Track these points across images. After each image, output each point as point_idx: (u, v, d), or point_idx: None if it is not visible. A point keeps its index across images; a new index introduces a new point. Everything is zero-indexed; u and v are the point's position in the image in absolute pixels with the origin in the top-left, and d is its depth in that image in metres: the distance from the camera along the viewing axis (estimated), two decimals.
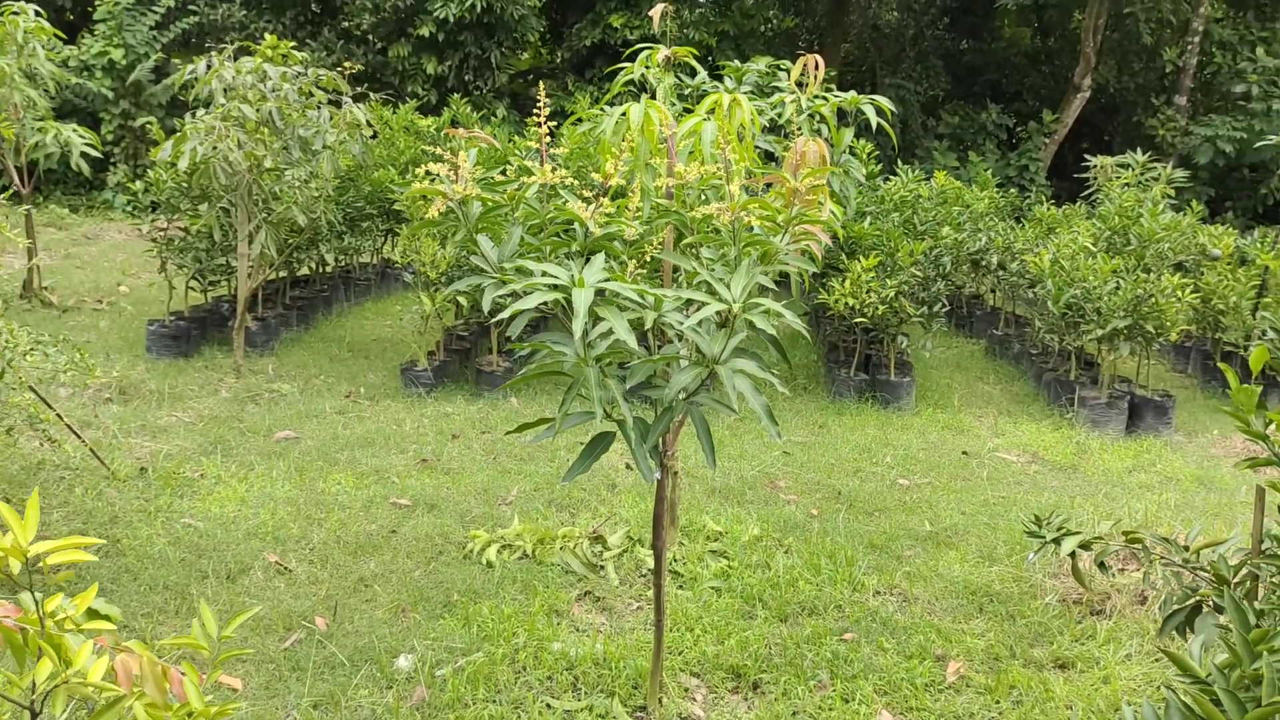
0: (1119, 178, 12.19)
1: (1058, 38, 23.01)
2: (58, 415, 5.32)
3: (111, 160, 17.44)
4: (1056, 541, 3.45)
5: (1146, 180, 12.03)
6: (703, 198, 3.85)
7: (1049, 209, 11.64)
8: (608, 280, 2.99)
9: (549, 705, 3.72)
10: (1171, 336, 7.57)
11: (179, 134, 7.32)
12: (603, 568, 4.95)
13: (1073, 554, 3.43)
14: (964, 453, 7.12)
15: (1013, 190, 13.97)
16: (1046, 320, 8.29)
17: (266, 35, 8.50)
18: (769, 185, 3.96)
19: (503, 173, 3.46)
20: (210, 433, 6.66)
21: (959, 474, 6.66)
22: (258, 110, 7.43)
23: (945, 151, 18.60)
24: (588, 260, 3.14)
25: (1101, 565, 3.42)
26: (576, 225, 3.32)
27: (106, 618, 2.03)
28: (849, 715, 3.78)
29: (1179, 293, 7.50)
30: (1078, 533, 3.46)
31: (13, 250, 12.46)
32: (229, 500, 5.51)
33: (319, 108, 7.80)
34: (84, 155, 9.97)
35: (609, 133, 4.34)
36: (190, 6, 18.89)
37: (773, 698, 3.88)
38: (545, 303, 2.97)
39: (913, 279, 8.06)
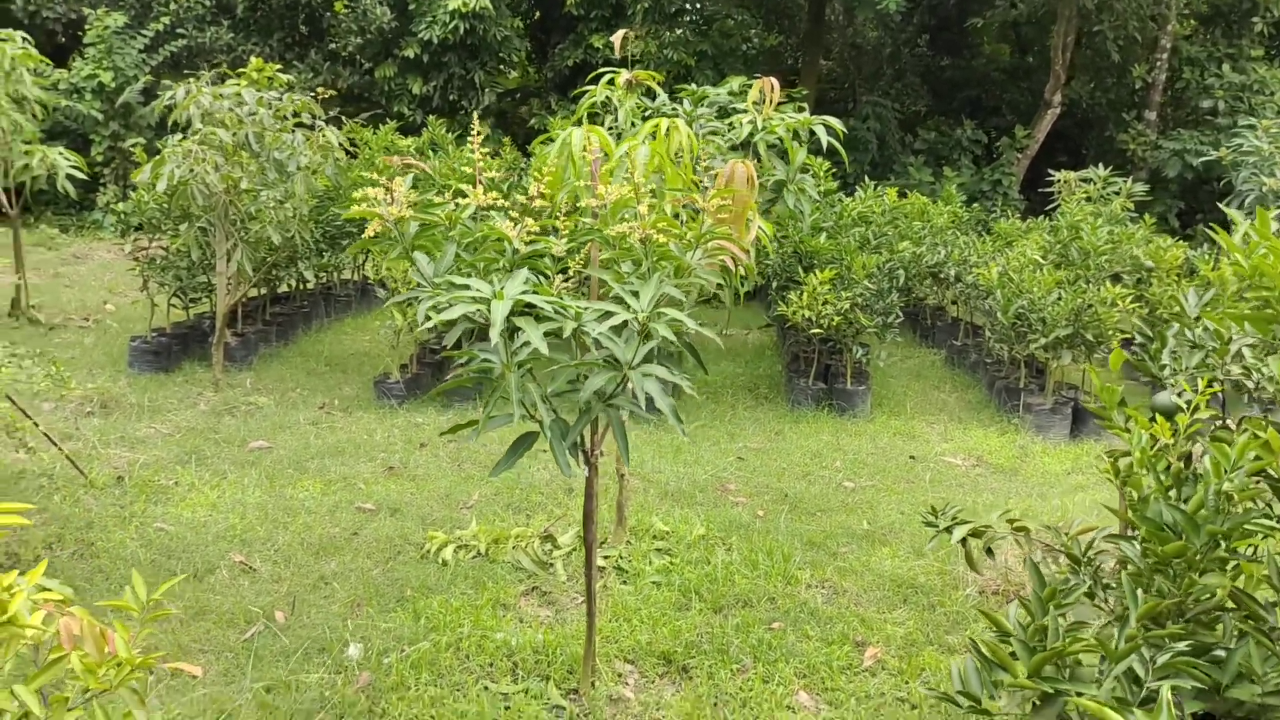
0: (1081, 191, 12.56)
1: (1035, 54, 23.44)
2: (35, 425, 5.62)
3: (101, 181, 17.79)
4: (949, 530, 3.75)
5: (1108, 194, 12.39)
6: (630, 217, 4.16)
7: (1012, 223, 11.98)
8: (528, 293, 3.30)
9: (487, 688, 4.00)
10: (1113, 345, 7.87)
11: (158, 157, 7.64)
12: (551, 565, 5.24)
13: (964, 540, 3.72)
14: (911, 457, 7.42)
15: (976, 205, 14.30)
16: (997, 330, 8.61)
17: (252, 58, 8.85)
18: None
19: (439, 193, 3.77)
20: (186, 443, 6.95)
21: (904, 477, 6.96)
22: (234, 134, 7.75)
23: (921, 167, 18.96)
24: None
25: (989, 551, 3.72)
26: (506, 244, 3.63)
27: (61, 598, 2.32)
28: (767, 695, 4.07)
29: (1119, 302, 7.82)
30: (968, 522, 3.76)
31: (2, 270, 12.78)
32: (200, 506, 5.80)
33: (293, 131, 8.12)
34: (70, 177, 10.28)
35: (552, 156, 4.67)
36: (179, 30, 19.26)
37: (698, 680, 4.17)
38: (469, 314, 3.28)
39: (867, 291, 8.37)
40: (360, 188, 3.46)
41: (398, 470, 6.67)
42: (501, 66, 20.67)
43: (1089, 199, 12.08)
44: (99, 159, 17.75)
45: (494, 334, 3.13)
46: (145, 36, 18.46)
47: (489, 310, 3.22)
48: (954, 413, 8.78)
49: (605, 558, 5.31)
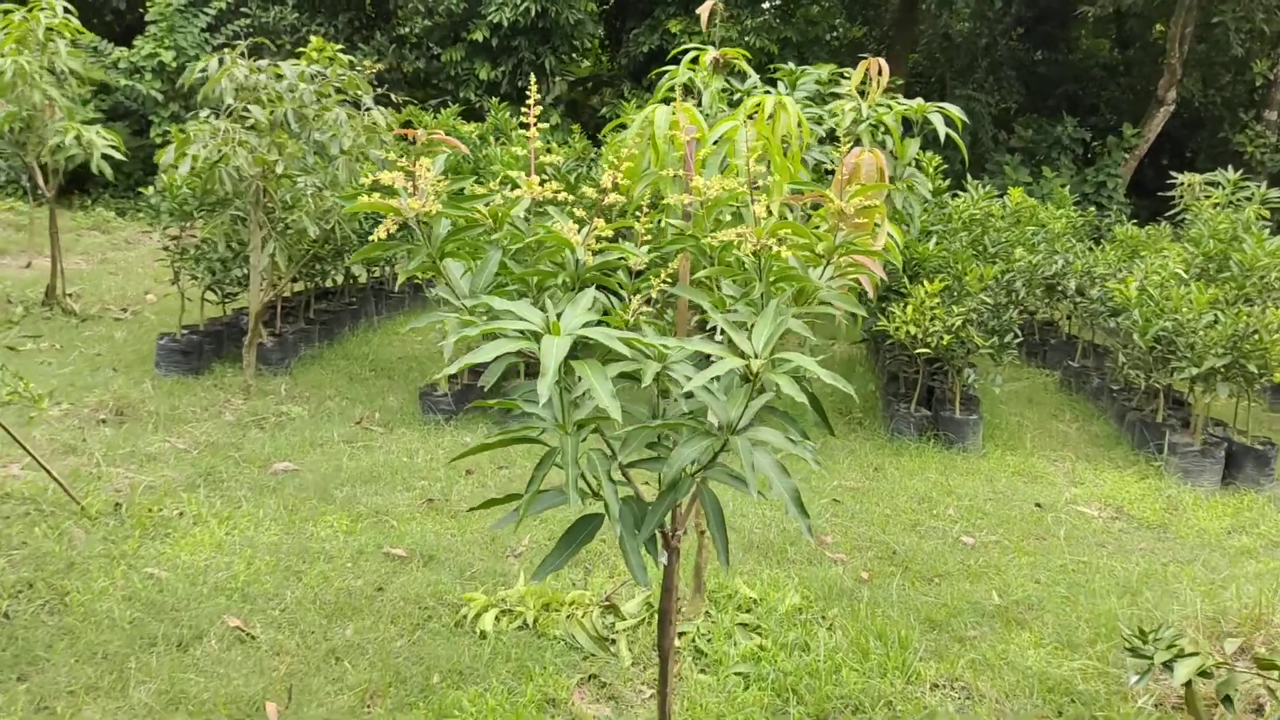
0: (1208, 197, 11.28)
1: (1138, 49, 21.94)
2: (18, 443, 4.80)
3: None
4: (1168, 666, 2.71)
5: (1238, 200, 11.10)
6: (726, 219, 3.16)
7: (1132, 229, 10.75)
8: (593, 325, 2.32)
9: None
10: (1277, 377, 6.71)
11: (184, 136, 6.81)
12: (613, 642, 4.27)
13: (1188, 683, 2.69)
14: (1037, 505, 6.33)
15: (1090, 209, 13.03)
16: (1131, 354, 7.46)
17: (313, 38, 7.97)
18: (816, 206, 3.24)
19: (478, 181, 2.81)
20: (202, 462, 6.09)
21: (1032, 531, 5.88)
22: (270, 112, 6.88)
23: (1017, 166, 17.67)
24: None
25: (1227, 700, 2.68)
26: (568, 252, 2.65)
27: None
28: None
29: None
30: (1194, 654, 2.72)
31: (46, 255, 12.15)
32: (204, 545, 4.92)
33: (336, 109, 7.22)
34: (109, 158, 9.49)
35: (630, 138, 3.71)
36: (243, 9, 18.63)
37: None
38: (512, 352, 2.31)
39: (982, 306, 7.28)
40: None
41: (438, 503, 5.75)
42: (574, 54, 19.74)
43: (1222, 205, 10.81)
44: (158, 140, 17.13)
45: (543, 387, 2.14)
46: (208, 15, 17.81)
47: (538, 348, 2.25)
48: (1079, 448, 7.63)
49: (681, 634, 4.33)
